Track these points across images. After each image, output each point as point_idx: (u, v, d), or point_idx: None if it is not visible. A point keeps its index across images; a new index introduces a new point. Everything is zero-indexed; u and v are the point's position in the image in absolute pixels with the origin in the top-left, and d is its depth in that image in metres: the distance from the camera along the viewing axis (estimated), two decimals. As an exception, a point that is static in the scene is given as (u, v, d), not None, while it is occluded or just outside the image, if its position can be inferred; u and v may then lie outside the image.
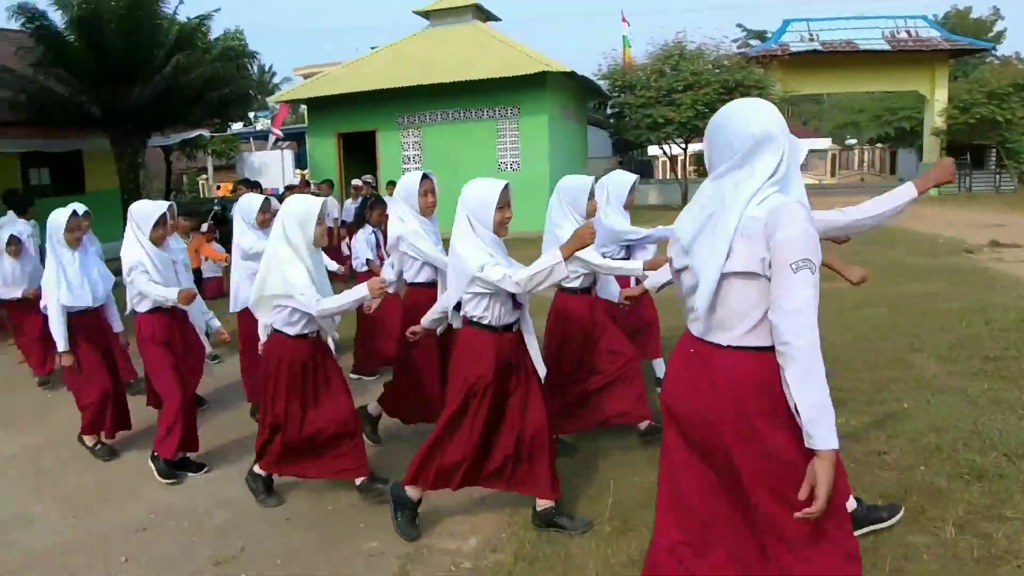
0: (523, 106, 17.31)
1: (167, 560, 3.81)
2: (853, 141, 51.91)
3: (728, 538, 2.40)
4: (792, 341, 2.10)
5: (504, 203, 3.62)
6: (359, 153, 18.72)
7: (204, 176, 32.28)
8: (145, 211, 4.79)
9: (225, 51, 14.87)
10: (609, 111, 27.67)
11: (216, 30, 15.98)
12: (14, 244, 6.68)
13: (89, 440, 5.28)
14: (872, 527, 3.51)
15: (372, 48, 21.93)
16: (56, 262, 5.08)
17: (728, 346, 2.29)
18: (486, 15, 20.39)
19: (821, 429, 2.09)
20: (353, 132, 18.41)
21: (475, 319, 3.63)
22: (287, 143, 26.42)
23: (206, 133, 20.04)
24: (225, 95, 14.40)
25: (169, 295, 4.65)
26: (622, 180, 5.17)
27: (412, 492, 3.82)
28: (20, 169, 16.88)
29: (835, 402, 2.18)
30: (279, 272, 3.91)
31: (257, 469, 4.33)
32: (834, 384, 2.34)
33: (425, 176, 4.79)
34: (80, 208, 5.42)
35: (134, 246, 4.74)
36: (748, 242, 2.19)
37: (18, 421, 6.08)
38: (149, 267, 4.71)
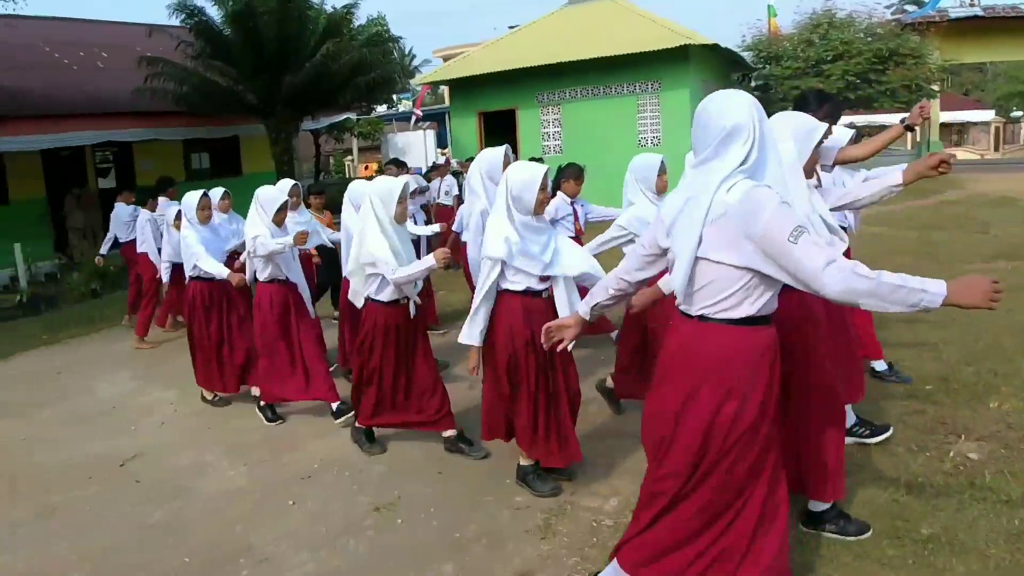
0: (664, 80, 17.03)
1: (330, 504, 4.24)
2: (1020, 113, 47.65)
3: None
4: (842, 289, 2.26)
5: (544, 186, 3.90)
6: (500, 132, 19.09)
7: (349, 157, 33.74)
8: (270, 196, 5.45)
9: (371, 37, 15.52)
10: (753, 84, 26.75)
11: (359, 17, 16.69)
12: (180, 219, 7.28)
13: (208, 394, 6.18)
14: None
15: (510, 27, 22.18)
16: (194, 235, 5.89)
17: (697, 316, 2.58)
18: (625, -11, 20.20)
19: (925, 286, 2.19)
20: (494, 111, 18.78)
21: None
22: (427, 123, 27.25)
23: (353, 116, 20.96)
24: (372, 79, 15.05)
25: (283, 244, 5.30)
26: (646, 163, 4.90)
27: (524, 460, 4.21)
28: (183, 154, 18.38)
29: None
30: (366, 244, 4.46)
31: (357, 423, 4.90)
32: None
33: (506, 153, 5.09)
34: (217, 192, 6.58)
35: (257, 224, 5.36)
36: (719, 229, 2.43)
37: (183, 383, 6.58)
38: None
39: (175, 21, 15.05)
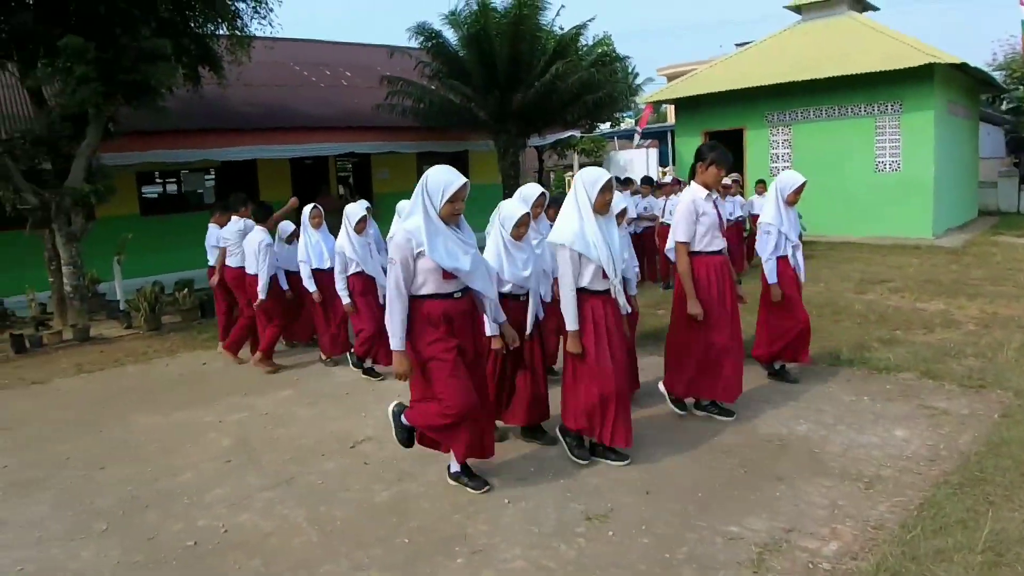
0: (906, 101, 15.79)
1: (544, 507, 4.33)
2: None
3: None
4: None
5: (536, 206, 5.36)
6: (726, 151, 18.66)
7: (570, 173, 34.40)
8: (353, 212, 7.12)
9: (599, 57, 15.77)
10: (1005, 106, 24.16)
11: (587, 37, 16.98)
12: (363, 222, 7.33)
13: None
14: None
15: (737, 46, 21.58)
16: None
17: None
18: (863, 5, 18.89)
19: None
20: (720, 130, 18.37)
21: None
22: (648, 142, 27.14)
23: (577, 133, 21.37)
24: (598, 98, 15.28)
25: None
26: (789, 179, 6.19)
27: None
28: (416, 166, 19.59)
29: None
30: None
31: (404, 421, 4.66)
32: None
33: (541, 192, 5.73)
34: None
35: (343, 237, 7.03)
36: None
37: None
38: (348, 250, 7.06)
39: (414, 43, 16.18)
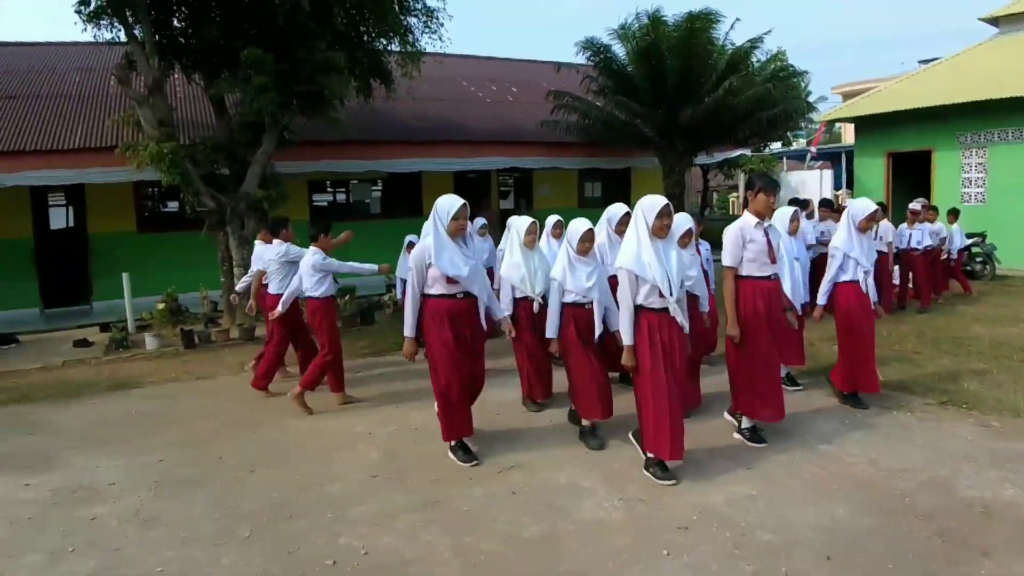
0: (1125, 122, 13.97)
1: (708, 565, 3.84)
2: None
3: None
4: None
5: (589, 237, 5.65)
6: (911, 174, 17.17)
7: (735, 194, 33.13)
8: (574, 229, 5.85)
9: (776, 71, 14.90)
10: None
11: (761, 52, 16.11)
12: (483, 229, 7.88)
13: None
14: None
15: (920, 62, 19.90)
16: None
17: None
18: (1069, 16, 17.01)
19: None
20: (905, 152, 16.93)
21: None
22: (820, 163, 25.59)
23: (747, 152, 20.43)
24: (774, 115, 14.42)
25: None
26: (861, 206, 6.44)
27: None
28: (578, 182, 19.34)
29: None
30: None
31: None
32: None
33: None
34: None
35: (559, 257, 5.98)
36: None
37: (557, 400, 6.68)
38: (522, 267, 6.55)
39: (580, 59, 15.93)
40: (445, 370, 5.29)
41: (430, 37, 12.21)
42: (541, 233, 7.01)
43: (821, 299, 6.49)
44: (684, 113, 14.86)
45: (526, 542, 4.12)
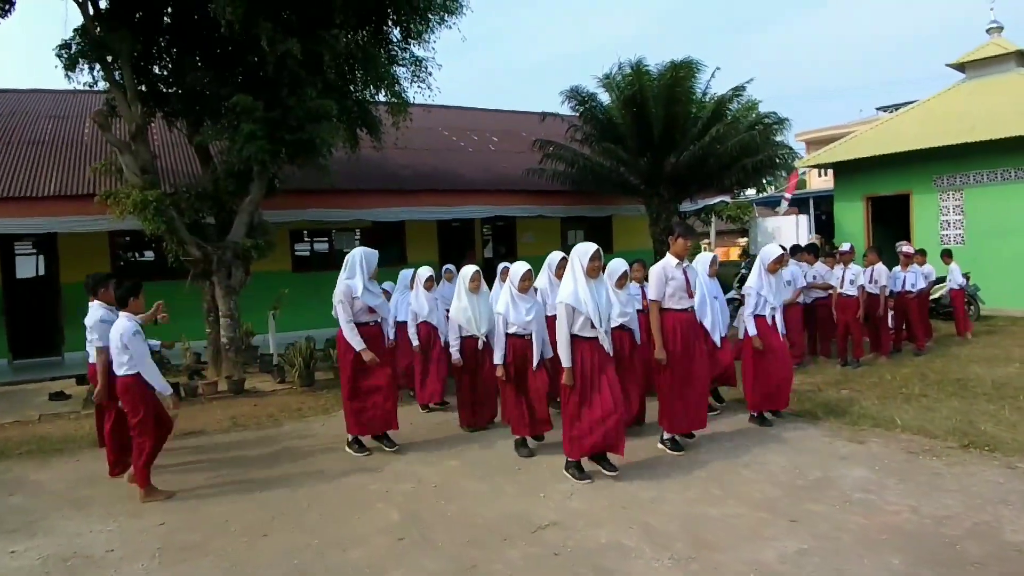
0: (1096, 163, 14.28)
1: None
2: None
3: None
4: None
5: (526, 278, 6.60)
6: (889, 218, 17.39)
7: (706, 240, 33.39)
8: (465, 273, 7.41)
9: (759, 118, 15.04)
10: None
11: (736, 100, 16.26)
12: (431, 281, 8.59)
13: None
14: None
15: (878, 109, 20.29)
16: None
17: None
18: (1031, 62, 17.51)
19: None
20: (884, 196, 17.15)
21: None
22: (786, 208, 25.90)
23: (727, 199, 20.58)
24: (759, 161, 14.52)
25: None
26: (770, 251, 7.51)
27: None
28: (560, 230, 19.29)
29: None
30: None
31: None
32: None
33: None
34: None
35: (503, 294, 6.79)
36: None
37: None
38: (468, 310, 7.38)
39: (565, 108, 15.97)
40: (352, 382, 6.81)
41: (419, 86, 12.10)
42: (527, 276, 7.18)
43: (750, 330, 7.30)
44: (669, 161, 14.90)
45: (582, 609, 3.83)
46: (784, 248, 7.80)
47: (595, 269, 5.81)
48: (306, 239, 16.33)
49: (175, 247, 10.44)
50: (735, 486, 5.59)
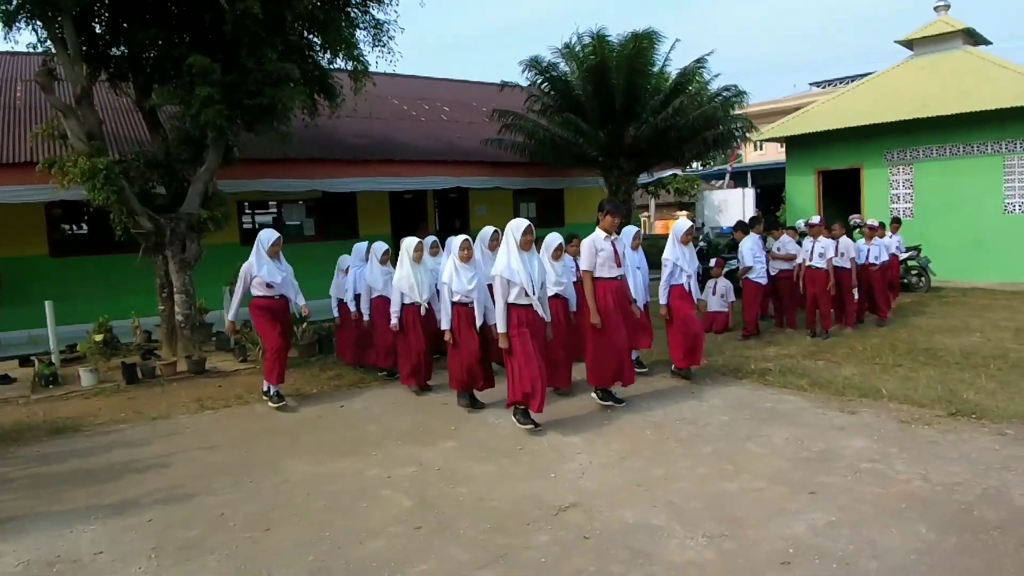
0: (1037, 139, 14.75)
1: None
2: None
3: None
4: None
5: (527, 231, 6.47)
6: (840, 192, 17.68)
7: (645, 213, 33.61)
8: (408, 243, 7.88)
9: (720, 91, 14.95)
10: None
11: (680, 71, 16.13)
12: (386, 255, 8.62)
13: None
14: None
15: (811, 84, 20.55)
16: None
17: None
18: (976, 39, 17.94)
19: None
20: (834, 170, 17.41)
21: None
22: (723, 182, 26.31)
23: (679, 172, 20.62)
24: (719, 134, 14.49)
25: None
26: (682, 225, 8.11)
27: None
28: (513, 203, 19.04)
29: None
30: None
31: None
32: None
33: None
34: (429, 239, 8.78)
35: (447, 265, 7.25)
36: None
37: (583, 429, 6.06)
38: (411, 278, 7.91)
39: (523, 79, 15.58)
40: (266, 342, 7.85)
41: (380, 51, 11.59)
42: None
43: (662, 299, 7.97)
44: (629, 133, 14.74)
45: (648, 596, 3.66)
46: (694, 221, 8.28)
47: (528, 243, 6.37)
48: (250, 211, 15.60)
49: (124, 219, 9.80)
50: (744, 461, 5.52)
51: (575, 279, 7.74)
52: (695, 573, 3.84)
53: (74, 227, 13.76)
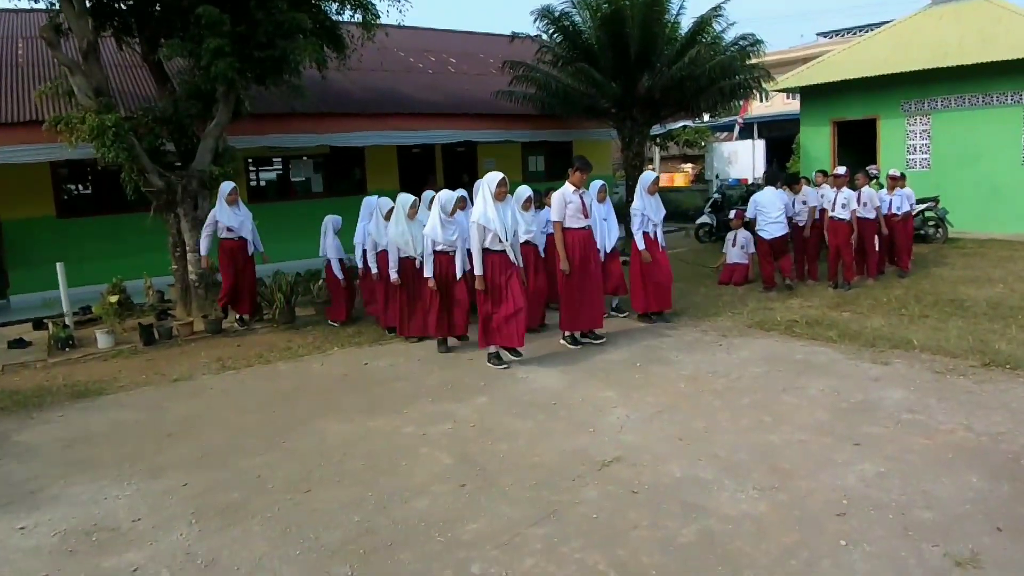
0: (1061, 88, 14.43)
1: (896, 552, 3.50)
2: None
3: None
4: None
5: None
6: (856, 143, 17.36)
7: (651, 165, 33.23)
8: (445, 198, 7.75)
9: (737, 39, 14.57)
10: None
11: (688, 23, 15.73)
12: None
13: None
14: None
15: (818, 34, 20.04)
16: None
17: None
18: (996, -12, 17.48)
19: None
20: (850, 120, 17.10)
21: None
22: (726, 134, 25.92)
23: (691, 123, 20.26)
24: (735, 84, 14.15)
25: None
26: (648, 177, 8.76)
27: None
28: (521, 156, 18.75)
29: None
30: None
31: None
32: None
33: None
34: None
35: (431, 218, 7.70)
36: None
37: (616, 382, 5.91)
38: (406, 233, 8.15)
39: (532, 30, 15.20)
40: (225, 283, 9.45)
41: (391, 0, 11.25)
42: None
43: (639, 245, 8.49)
44: (643, 83, 14.42)
45: (686, 548, 3.60)
46: (655, 172, 8.48)
47: (502, 194, 6.97)
48: (254, 168, 15.32)
49: (135, 177, 9.59)
50: (784, 412, 5.46)
51: (550, 231, 8.20)
52: (751, 526, 3.77)
53: (80, 187, 13.53)
